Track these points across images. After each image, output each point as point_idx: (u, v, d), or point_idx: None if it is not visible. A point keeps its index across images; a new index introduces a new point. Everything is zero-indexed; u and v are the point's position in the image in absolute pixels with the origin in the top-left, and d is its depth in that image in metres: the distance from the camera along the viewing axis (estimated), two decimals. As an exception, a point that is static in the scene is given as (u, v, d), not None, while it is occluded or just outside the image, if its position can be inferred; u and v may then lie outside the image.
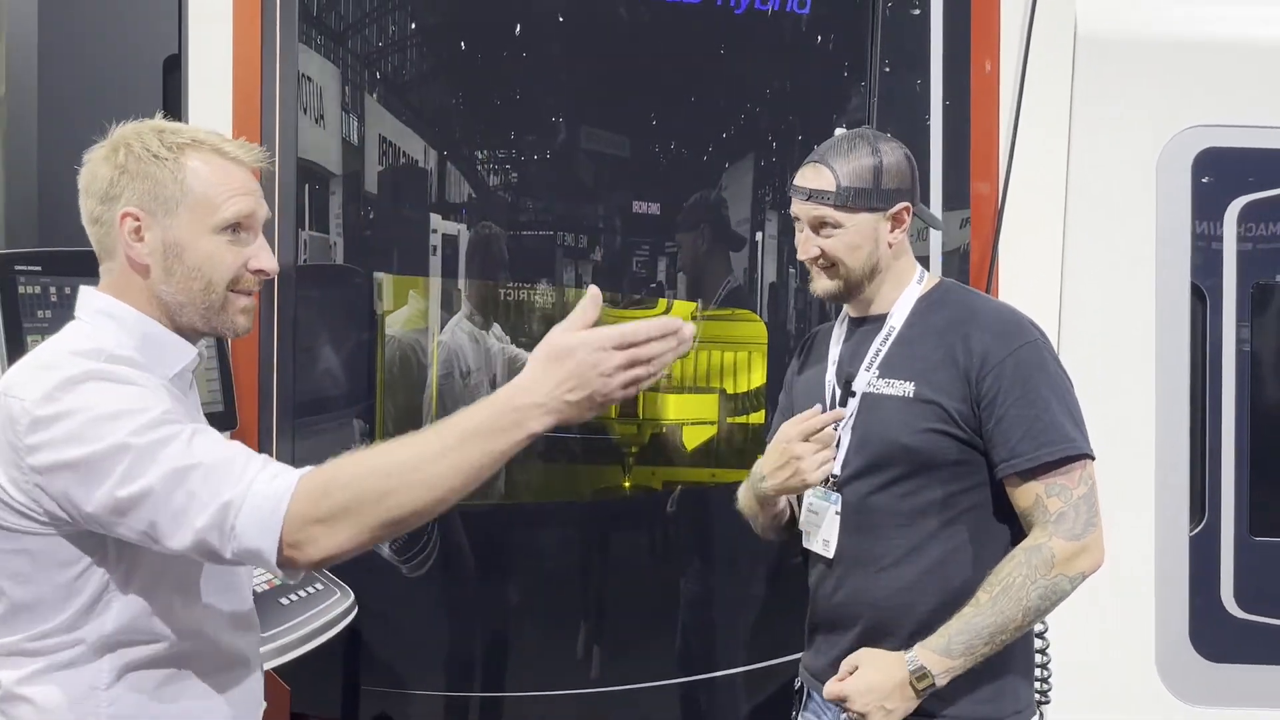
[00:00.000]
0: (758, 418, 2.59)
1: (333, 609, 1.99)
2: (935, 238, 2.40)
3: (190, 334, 1.34)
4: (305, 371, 2.27)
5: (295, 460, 2.26)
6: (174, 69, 2.37)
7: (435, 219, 2.43)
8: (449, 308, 2.49)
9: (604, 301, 1.17)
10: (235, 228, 1.30)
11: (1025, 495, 1.68)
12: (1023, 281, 2.42)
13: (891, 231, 1.70)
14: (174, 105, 2.36)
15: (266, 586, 1.93)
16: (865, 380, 1.71)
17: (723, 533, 2.48)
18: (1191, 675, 2.49)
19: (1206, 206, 2.46)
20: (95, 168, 1.29)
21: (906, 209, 1.71)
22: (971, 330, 1.69)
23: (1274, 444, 2.48)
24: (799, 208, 1.72)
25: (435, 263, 2.46)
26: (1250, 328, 2.48)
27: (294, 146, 2.28)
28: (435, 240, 2.46)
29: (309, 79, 2.33)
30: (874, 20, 2.27)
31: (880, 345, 1.73)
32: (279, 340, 2.23)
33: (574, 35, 2.29)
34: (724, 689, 2.41)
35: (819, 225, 1.70)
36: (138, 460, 1.14)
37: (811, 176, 1.71)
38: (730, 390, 2.70)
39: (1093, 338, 2.45)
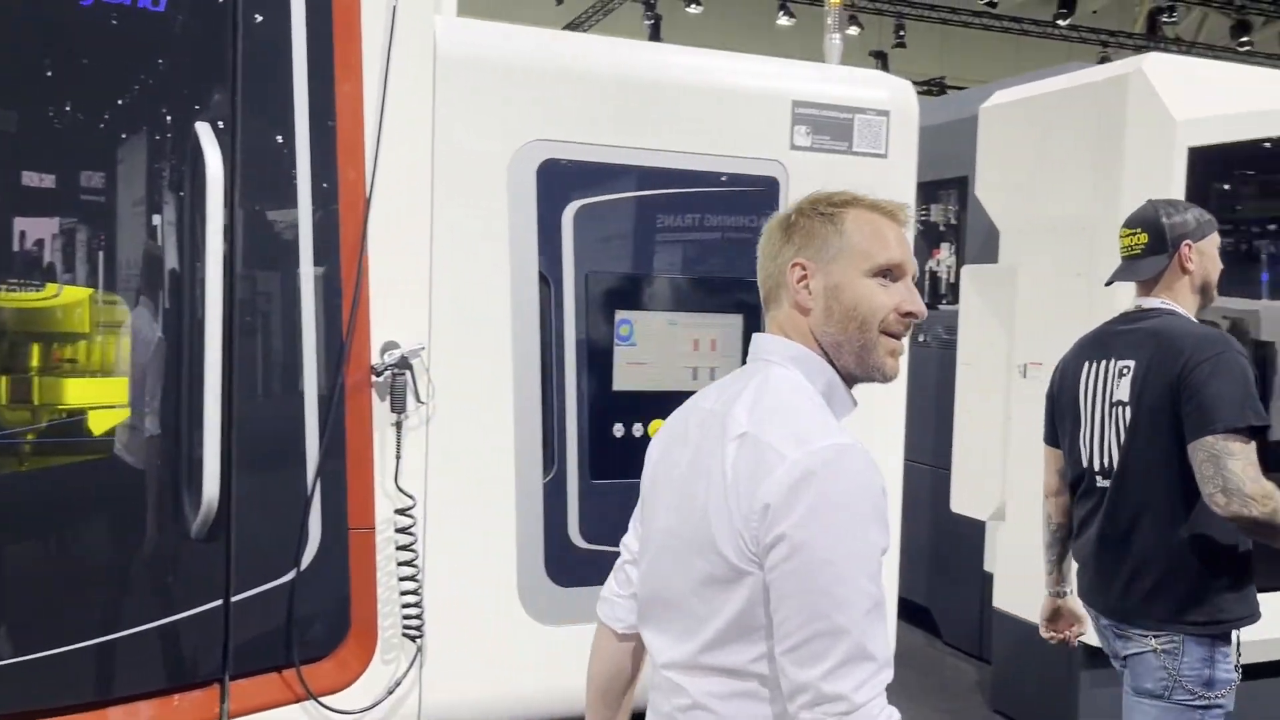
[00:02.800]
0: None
1: None
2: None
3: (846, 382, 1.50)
4: None
5: None
6: None
7: None
8: None
9: None
10: (886, 273, 1.47)
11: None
12: (395, 270, 2.73)
13: None
14: None
15: None
16: None
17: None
18: (546, 599, 2.97)
19: (549, 207, 2.94)
20: (770, 228, 1.55)
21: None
22: None
23: (603, 404, 3.02)
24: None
25: None
26: (585, 309, 3.00)
27: None
28: None
29: None
30: (234, 23, 2.45)
31: None
32: None
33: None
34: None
35: None
36: (840, 606, 1.29)
37: None
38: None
39: (459, 318, 2.83)
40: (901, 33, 13.98)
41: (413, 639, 2.78)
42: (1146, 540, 2.49)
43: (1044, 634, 2.91)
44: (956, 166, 4.92)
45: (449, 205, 2.82)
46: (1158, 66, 3.79)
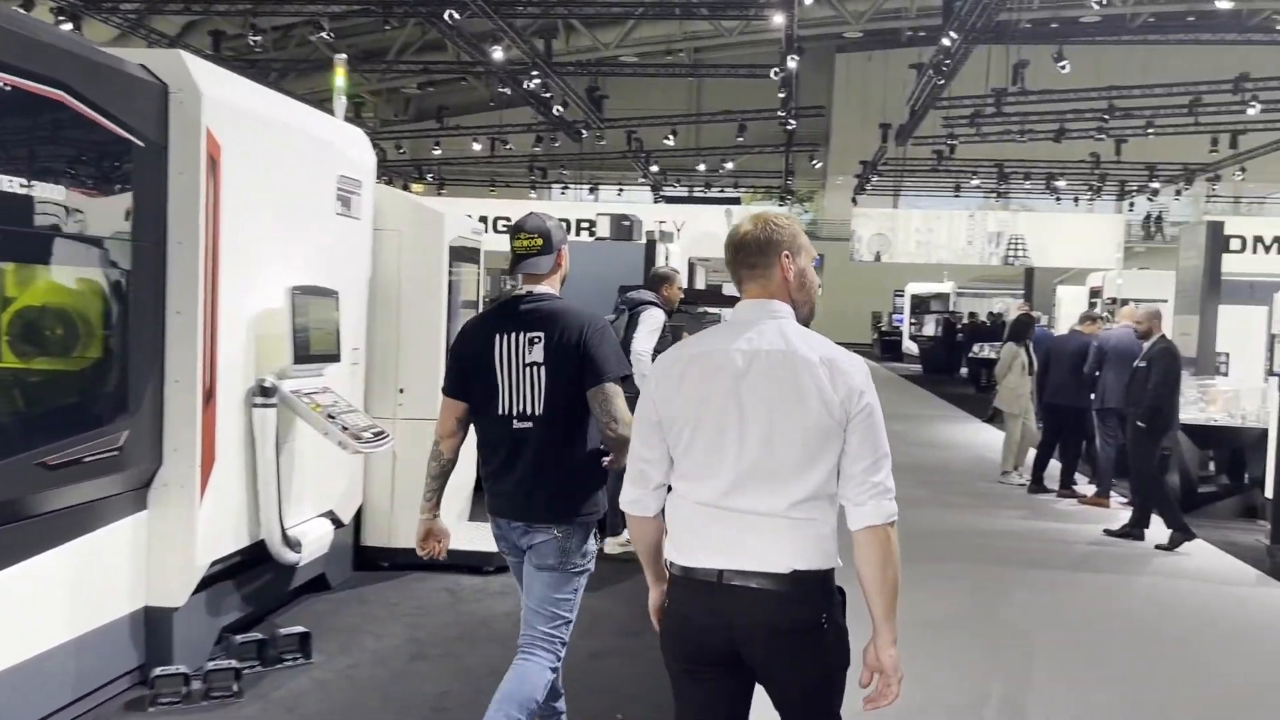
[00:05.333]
0: None
1: None
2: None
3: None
4: None
5: None
6: None
7: None
8: None
9: None
10: (815, 261, 2.63)
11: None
12: None
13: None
14: None
15: None
16: None
17: None
18: None
19: None
20: (748, 236, 2.56)
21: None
22: None
23: None
24: None
25: None
26: None
27: None
28: None
29: None
30: None
31: None
32: None
33: None
34: None
35: None
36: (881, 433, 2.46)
37: None
38: None
39: None
40: None
41: None
42: (557, 462, 3.38)
43: (420, 552, 3.57)
44: None
45: None
46: None
